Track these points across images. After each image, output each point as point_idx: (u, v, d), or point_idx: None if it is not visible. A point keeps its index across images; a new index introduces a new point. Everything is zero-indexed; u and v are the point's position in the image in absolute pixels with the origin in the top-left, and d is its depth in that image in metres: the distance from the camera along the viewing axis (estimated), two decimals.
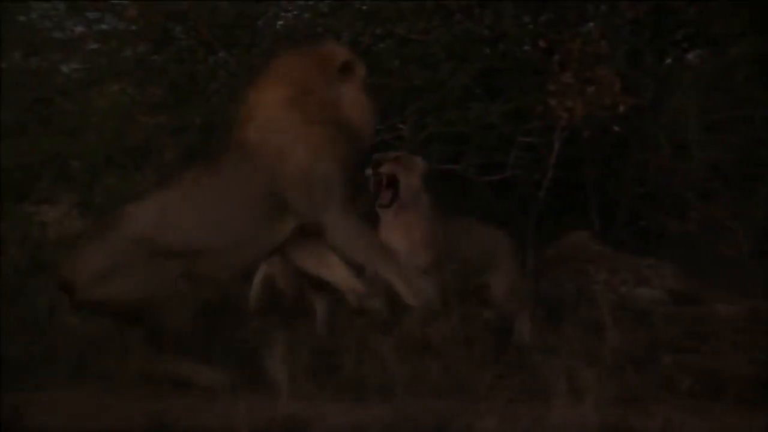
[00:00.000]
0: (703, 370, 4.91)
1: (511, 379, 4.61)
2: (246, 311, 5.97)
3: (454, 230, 5.79)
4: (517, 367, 4.80)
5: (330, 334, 5.51)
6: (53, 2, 7.33)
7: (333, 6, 7.32)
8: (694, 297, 6.62)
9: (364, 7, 7.26)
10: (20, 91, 6.72)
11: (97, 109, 6.85)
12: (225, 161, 4.46)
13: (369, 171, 5.41)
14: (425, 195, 5.55)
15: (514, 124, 7.10)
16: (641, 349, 5.27)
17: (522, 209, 7.52)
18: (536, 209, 7.39)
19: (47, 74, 6.93)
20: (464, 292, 5.48)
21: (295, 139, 4.45)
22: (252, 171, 4.40)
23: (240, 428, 3.75)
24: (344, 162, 4.59)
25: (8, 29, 6.72)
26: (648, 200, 7.74)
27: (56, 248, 6.42)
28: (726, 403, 4.19)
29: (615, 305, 6.28)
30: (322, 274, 4.97)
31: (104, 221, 4.68)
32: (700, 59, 7.86)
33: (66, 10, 6.96)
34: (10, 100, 6.64)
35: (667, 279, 6.70)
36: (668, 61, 7.97)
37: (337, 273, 4.95)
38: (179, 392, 4.29)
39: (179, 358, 4.41)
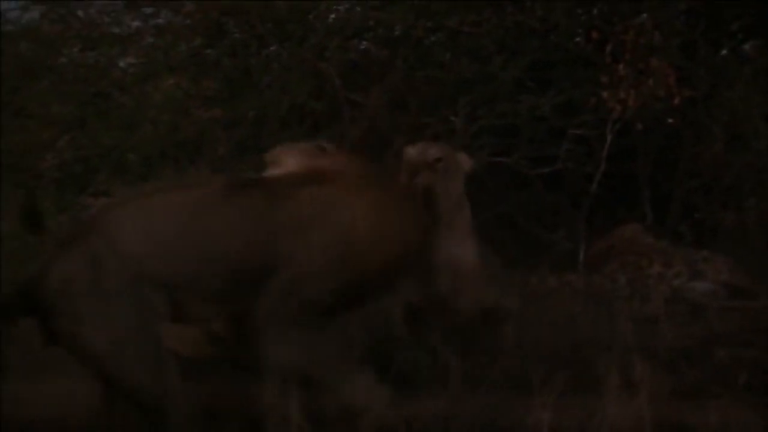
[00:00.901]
0: (759, 365, 4.87)
1: (564, 373, 4.39)
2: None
3: None
4: (570, 362, 4.71)
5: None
6: None
7: None
8: (749, 291, 6.50)
9: (416, 1, 7.31)
10: (78, 86, 6.88)
11: (152, 103, 6.97)
12: (239, 193, 3.73)
13: (406, 168, 4.52)
14: (467, 206, 4.78)
15: (566, 117, 7.11)
16: (695, 343, 5.25)
17: (573, 202, 7.54)
18: (588, 202, 7.37)
19: (105, 69, 7.08)
20: None
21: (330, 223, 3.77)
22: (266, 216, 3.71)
23: None
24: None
25: (67, 24, 6.86)
26: (703, 193, 7.66)
27: None
28: None
29: (669, 299, 6.24)
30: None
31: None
32: (756, 50, 7.71)
33: (123, 5, 7.10)
34: (69, 94, 6.80)
35: (721, 273, 6.63)
36: (723, 52, 7.82)
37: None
38: None
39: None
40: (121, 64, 7.14)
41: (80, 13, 6.92)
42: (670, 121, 7.40)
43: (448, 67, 7.14)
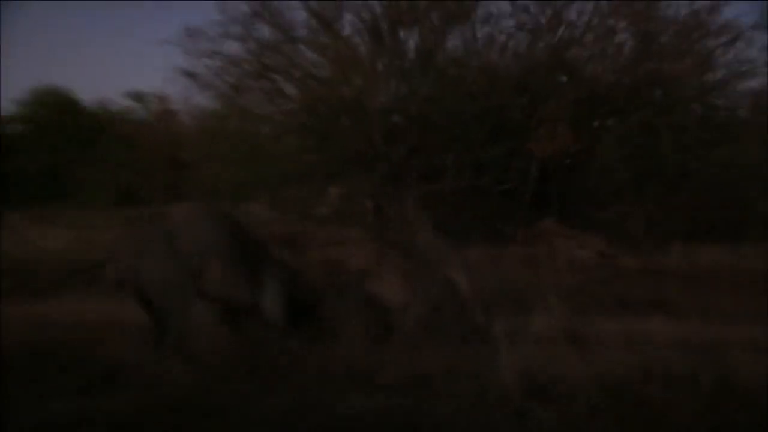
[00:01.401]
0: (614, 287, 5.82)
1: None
2: None
3: None
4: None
5: None
6: None
7: None
8: (611, 255, 7.71)
9: (427, 93, 8.50)
10: (239, 141, 8.58)
11: (279, 151, 8.76)
12: None
13: None
14: None
15: (511, 158, 8.28)
16: (581, 282, 6.38)
17: (516, 206, 8.71)
18: (524, 207, 8.65)
19: (253, 134, 8.82)
20: None
21: None
22: None
23: None
24: None
25: (229, 104, 8.55)
26: (587, 200, 8.97)
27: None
28: None
29: (568, 260, 7.43)
30: None
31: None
32: (616, 124, 8.88)
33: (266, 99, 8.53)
34: (234, 146, 8.50)
35: (597, 245, 7.91)
36: (596, 123, 8.97)
37: None
38: None
39: None
40: (263, 130, 8.88)
41: (239, 102, 8.46)
42: (568, 161, 8.82)
43: (443, 130, 8.50)
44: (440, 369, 4.57)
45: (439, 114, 8.52)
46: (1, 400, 3.62)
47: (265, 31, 8.56)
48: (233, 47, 8.54)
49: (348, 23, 8.63)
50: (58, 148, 12.83)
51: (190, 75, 8.39)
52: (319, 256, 5.05)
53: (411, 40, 8.62)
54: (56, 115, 13.05)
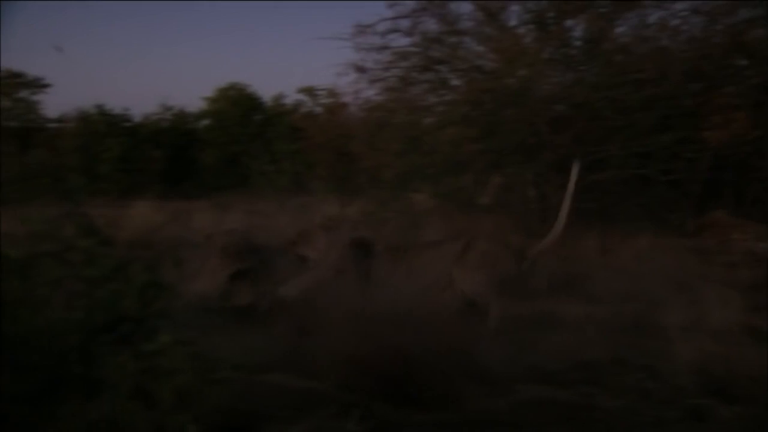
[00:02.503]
0: None
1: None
2: None
3: None
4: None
5: None
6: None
7: None
8: None
9: (590, 80, 8.33)
10: (408, 134, 8.80)
11: (442, 141, 8.82)
12: None
13: None
14: None
15: (681, 146, 8.03)
16: (762, 278, 6.04)
17: (685, 197, 8.54)
18: (694, 197, 8.44)
19: (416, 124, 8.96)
20: None
21: None
22: None
23: None
24: None
25: (400, 100, 8.83)
26: (763, 190, 8.49)
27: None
28: None
29: (744, 252, 7.23)
30: None
31: None
32: None
33: (427, 88, 8.79)
34: (399, 138, 8.72)
35: None
36: None
37: None
38: None
39: None
40: (426, 121, 8.99)
41: (406, 95, 8.76)
42: (744, 149, 8.36)
43: (609, 118, 8.24)
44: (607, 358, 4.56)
45: (605, 102, 8.28)
46: None
47: (431, 25, 8.64)
48: (401, 41, 8.71)
49: (513, 14, 8.63)
50: (238, 140, 13.76)
51: (360, 69, 8.60)
52: None
53: (577, 28, 8.50)
54: (237, 109, 13.98)
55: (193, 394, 1.81)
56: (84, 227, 1.94)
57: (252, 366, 1.84)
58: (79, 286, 1.94)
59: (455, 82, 8.82)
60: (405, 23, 8.57)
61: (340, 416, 3.48)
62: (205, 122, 14.74)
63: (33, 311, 1.77)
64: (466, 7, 8.67)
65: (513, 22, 8.60)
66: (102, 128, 13.46)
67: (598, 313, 5.59)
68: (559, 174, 8.45)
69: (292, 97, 14.80)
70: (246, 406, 2.88)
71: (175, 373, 1.79)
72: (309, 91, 14.07)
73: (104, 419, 1.81)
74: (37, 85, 13.38)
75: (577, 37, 8.51)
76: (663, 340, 4.68)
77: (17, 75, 13.03)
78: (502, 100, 8.60)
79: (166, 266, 1.97)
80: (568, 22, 8.42)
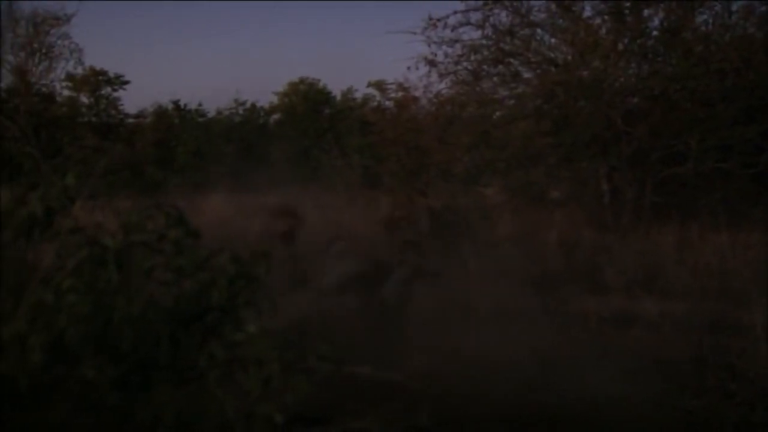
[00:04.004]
0: None
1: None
2: None
3: None
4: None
5: None
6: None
7: None
8: None
9: (668, 71, 8.14)
10: (474, 127, 8.79)
11: (514, 135, 8.77)
12: None
13: None
14: None
15: (764, 139, 7.81)
16: None
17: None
18: None
19: (487, 117, 8.95)
20: None
21: None
22: None
23: None
24: None
25: (469, 94, 8.94)
26: None
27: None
28: None
29: None
30: None
31: None
32: None
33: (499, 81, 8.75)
34: (469, 131, 8.73)
35: None
36: None
37: None
38: None
39: None
40: (495, 115, 8.97)
41: (477, 89, 8.78)
42: None
43: (688, 111, 8.09)
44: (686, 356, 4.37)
45: (684, 93, 8.13)
46: None
47: (503, 18, 8.62)
48: (472, 35, 8.70)
49: (588, 5, 8.51)
50: (308, 134, 13.89)
51: (431, 63, 8.57)
52: None
53: (655, 17, 8.29)
54: (308, 104, 14.11)
55: (280, 384, 1.82)
56: (173, 218, 1.97)
57: (338, 357, 1.83)
58: (168, 276, 1.95)
59: (527, 74, 8.78)
60: (476, 16, 8.63)
61: (412, 409, 3.45)
62: (276, 117, 14.89)
63: (128, 300, 1.81)
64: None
65: (587, 13, 8.51)
66: (178, 123, 13.78)
67: (676, 310, 5.38)
68: (633, 167, 8.42)
69: (361, 92, 14.78)
70: (327, 396, 2.89)
71: (262, 363, 1.80)
72: (379, 85, 14.07)
73: (194, 407, 1.84)
74: (118, 81, 13.76)
75: (654, 27, 8.36)
76: (746, 340, 4.45)
77: (100, 72, 13.44)
78: (575, 93, 8.53)
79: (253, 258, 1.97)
80: (646, 12, 8.25)
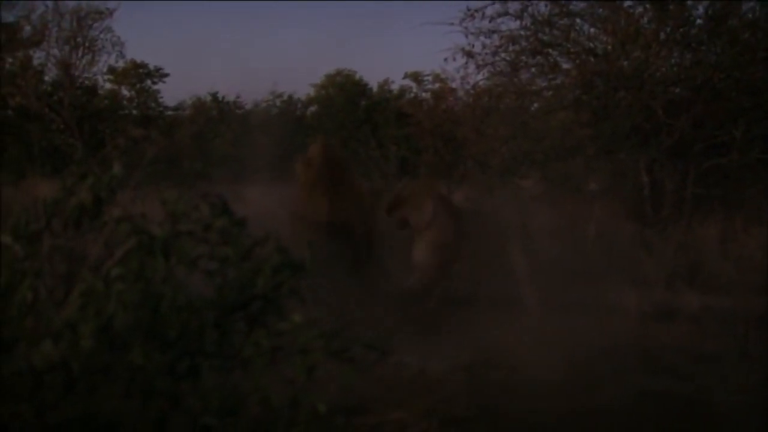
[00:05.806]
0: None
1: None
2: None
3: None
4: None
5: None
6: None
7: None
8: None
9: (711, 60, 8.01)
10: (513, 117, 8.70)
11: (552, 126, 8.75)
12: None
13: None
14: None
15: None
16: None
17: None
18: None
19: (524, 108, 8.87)
20: None
21: None
22: None
23: None
24: None
25: (507, 84, 8.82)
26: None
27: None
28: None
29: None
30: None
31: None
32: None
33: (540, 71, 8.62)
34: (508, 120, 8.63)
35: None
36: None
37: None
38: None
39: None
40: (533, 106, 8.91)
41: (515, 80, 8.69)
42: None
43: (732, 100, 8.02)
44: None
45: (729, 83, 8.04)
46: None
47: (541, 7, 8.50)
48: (510, 25, 8.61)
49: None
50: (345, 126, 13.92)
51: (468, 54, 8.52)
52: None
53: (699, 5, 8.18)
54: (344, 95, 14.14)
55: (324, 373, 1.84)
56: (218, 207, 2.00)
57: (382, 347, 1.84)
58: (213, 265, 1.99)
59: (566, 65, 8.64)
60: (515, 6, 8.52)
61: (449, 401, 3.47)
62: (313, 108, 14.94)
63: (175, 289, 1.84)
64: None
65: (628, 2, 8.38)
66: (216, 115, 13.91)
67: (719, 304, 5.25)
68: (674, 159, 8.29)
69: (398, 83, 14.76)
70: (366, 387, 2.92)
71: (306, 351, 1.82)
72: (415, 76, 14.04)
73: (239, 394, 1.88)
74: (158, 74, 13.95)
75: (698, 15, 8.24)
76: None
77: (140, 65, 13.65)
78: (615, 83, 8.41)
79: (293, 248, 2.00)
80: (689, 1, 8.10)
